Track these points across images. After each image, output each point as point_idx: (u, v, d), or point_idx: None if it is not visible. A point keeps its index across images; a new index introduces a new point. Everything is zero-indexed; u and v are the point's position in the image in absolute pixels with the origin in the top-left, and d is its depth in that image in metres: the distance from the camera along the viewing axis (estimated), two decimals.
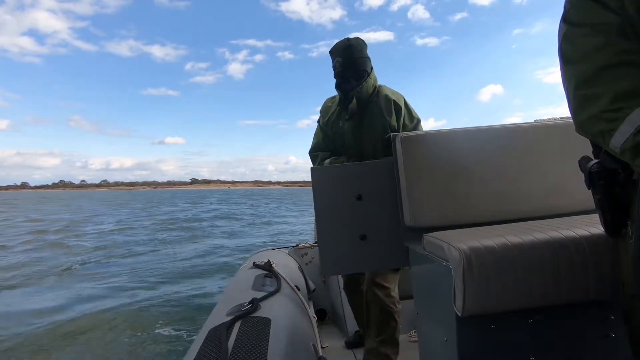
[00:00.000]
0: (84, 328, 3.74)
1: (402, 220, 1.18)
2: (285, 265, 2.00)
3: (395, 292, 1.50)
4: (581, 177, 0.69)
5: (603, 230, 0.71)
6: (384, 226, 1.23)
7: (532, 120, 1.28)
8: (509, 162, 1.12)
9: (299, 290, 1.58)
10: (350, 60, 1.54)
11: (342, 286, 2.15)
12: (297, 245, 2.47)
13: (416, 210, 1.11)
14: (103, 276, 6.06)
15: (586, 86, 0.58)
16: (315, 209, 1.26)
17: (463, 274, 0.77)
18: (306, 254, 2.43)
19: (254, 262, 1.79)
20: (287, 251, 2.41)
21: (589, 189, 0.68)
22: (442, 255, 0.87)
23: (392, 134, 1.22)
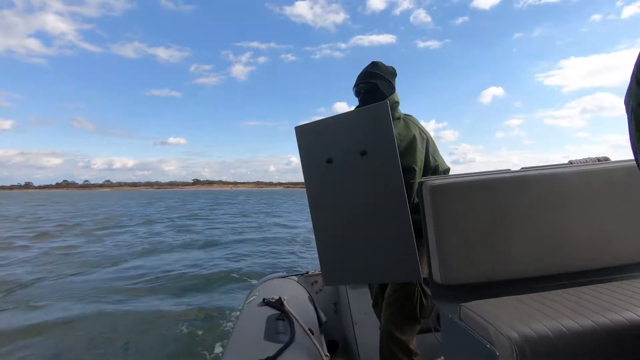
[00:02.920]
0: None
1: (430, 276, 1.09)
2: (296, 298, 1.92)
3: (413, 344, 1.40)
4: (626, 225, 0.64)
5: None
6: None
7: (567, 162, 1.18)
8: (548, 210, 1.04)
9: (312, 333, 1.50)
10: (365, 73, 1.52)
11: (354, 318, 2.05)
12: (307, 272, 2.38)
13: (447, 267, 1.01)
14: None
15: None
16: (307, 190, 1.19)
17: None
18: (316, 282, 2.35)
19: (263, 299, 1.71)
20: (296, 279, 2.32)
21: None
22: (485, 336, 0.78)
23: (419, 180, 1.13)
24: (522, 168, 1.13)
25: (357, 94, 1.51)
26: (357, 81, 1.52)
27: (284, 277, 2.33)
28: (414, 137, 1.39)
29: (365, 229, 1.15)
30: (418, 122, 1.52)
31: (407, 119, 1.49)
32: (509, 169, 1.12)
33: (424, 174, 1.42)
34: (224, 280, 5.58)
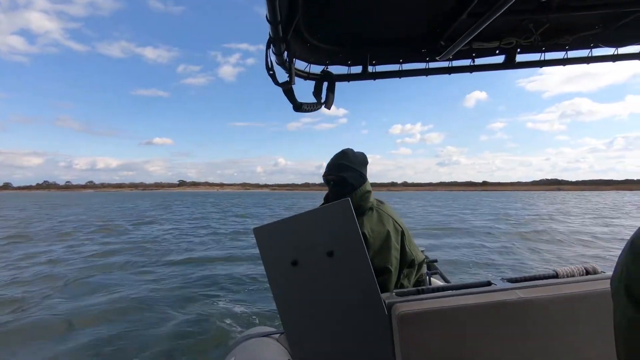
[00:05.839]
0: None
1: None
2: None
3: None
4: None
5: None
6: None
7: (551, 270, 1.12)
8: (530, 340, 0.95)
9: None
10: (333, 164, 1.47)
11: None
12: None
13: None
14: None
15: None
16: (269, 281, 1.10)
17: None
18: None
19: None
20: (277, 337, 1.77)
21: None
22: None
23: (388, 301, 1.01)
24: (502, 278, 1.10)
25: (326, 184, 1.48)
26: (326, 171, 1.48)
27: (265, 335, 1.85)
28: (388, 233, 1.35)
29: (342, 336, 1.09)
30: (392, 211, 1.48)
31: (381, 211, 1.45)
32: (488, 281, 1.08)
33: (400, 268, 1.39)
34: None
